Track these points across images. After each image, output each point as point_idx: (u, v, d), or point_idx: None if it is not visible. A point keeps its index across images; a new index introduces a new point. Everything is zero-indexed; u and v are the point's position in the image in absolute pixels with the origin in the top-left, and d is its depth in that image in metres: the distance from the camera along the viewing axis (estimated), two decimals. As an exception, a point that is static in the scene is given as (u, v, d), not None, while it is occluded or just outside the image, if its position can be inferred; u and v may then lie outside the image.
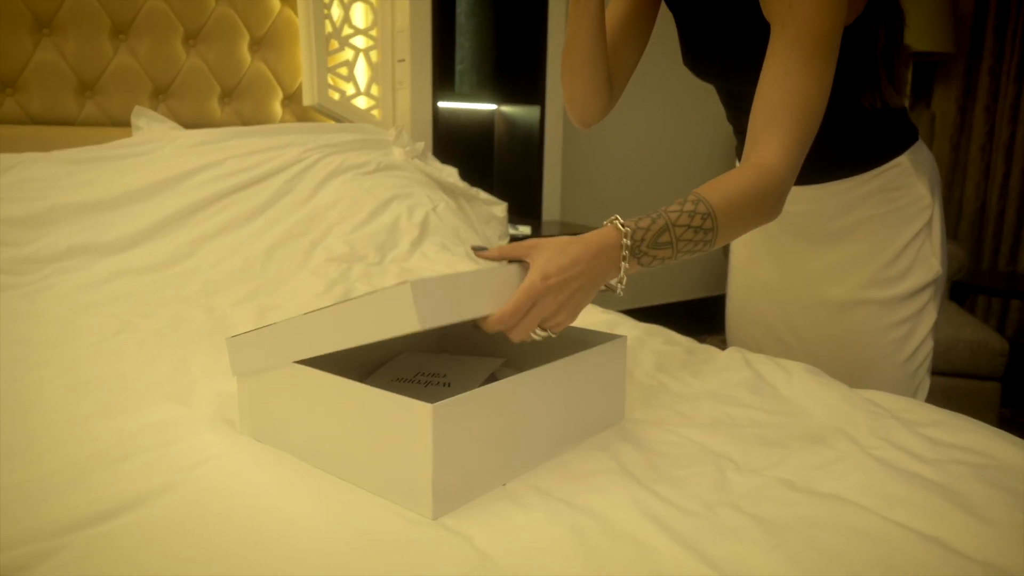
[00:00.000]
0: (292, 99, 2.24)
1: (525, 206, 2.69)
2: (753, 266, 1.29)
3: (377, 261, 1.75)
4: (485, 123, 2.79)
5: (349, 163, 1.91)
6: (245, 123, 2.17)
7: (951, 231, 3.72)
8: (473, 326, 0.75)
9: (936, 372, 2.22)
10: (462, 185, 2.10)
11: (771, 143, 0.85)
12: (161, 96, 2.05)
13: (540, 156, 2.62)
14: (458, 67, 2.61)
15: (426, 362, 0.98)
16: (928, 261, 1.11)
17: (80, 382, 0.95)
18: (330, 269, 1.66)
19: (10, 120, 1.86)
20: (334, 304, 0.72)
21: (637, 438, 0.81)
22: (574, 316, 0.75)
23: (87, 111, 1.95)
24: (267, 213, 1.75)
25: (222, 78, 2.13)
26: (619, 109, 3.07)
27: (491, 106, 2.78)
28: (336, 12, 2.20)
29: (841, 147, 1.09)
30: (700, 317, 3.52)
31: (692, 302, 3.58)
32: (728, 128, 3.04)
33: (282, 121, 2.24)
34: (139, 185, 1.64)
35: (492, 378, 0.94)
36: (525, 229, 2.37)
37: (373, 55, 2.29)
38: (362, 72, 2.28)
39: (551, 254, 0.73)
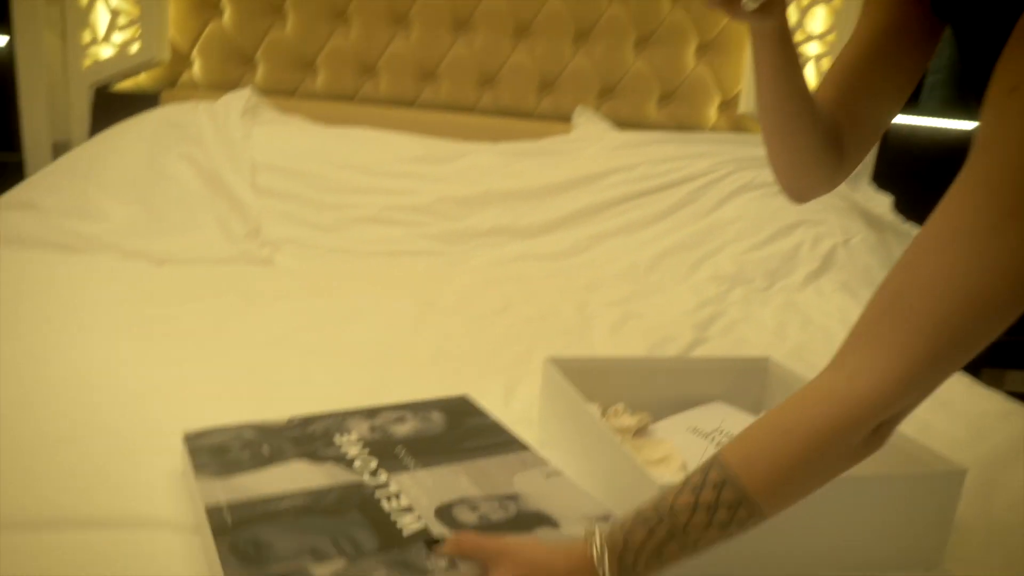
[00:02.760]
0: (728, 105, 2.21)
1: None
2: None
3: (763, 287, 1.66)
4: (953, 143, 2.37)
5: (760, 180, 1.82)
6: (679, 125, 2.22)
7: None
8: None
9: None
10: (891, 218, 1.84)
11: (877, 350, 0.54)
12: (605, 96, 2.21)
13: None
14: (929, 78, 2.26)
15: None
16: None
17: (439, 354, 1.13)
18: (710, 287, 1.62)
19: (488, 112, 2.22)
20: None
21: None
22: None
23: (543, 106, 2.21)
24: (665, 221, 1.79)
25: (663, 81, 2.20)
26: None
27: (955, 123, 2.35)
28: (791, 15, 2.09)
29: None
30: None
31: None
32: None
33: (714, 126, 2.23)
34: (559, 180, 1.82)
35: None
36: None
37: (824, 61, 2.12)
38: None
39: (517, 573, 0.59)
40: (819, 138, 0.74)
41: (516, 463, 0.77)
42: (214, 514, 0.64)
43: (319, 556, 0.59)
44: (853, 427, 0.54)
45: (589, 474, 0.79)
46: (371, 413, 0.86)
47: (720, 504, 0.55)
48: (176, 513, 0.70)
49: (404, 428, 0.83)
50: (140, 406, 0.90)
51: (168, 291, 1.32)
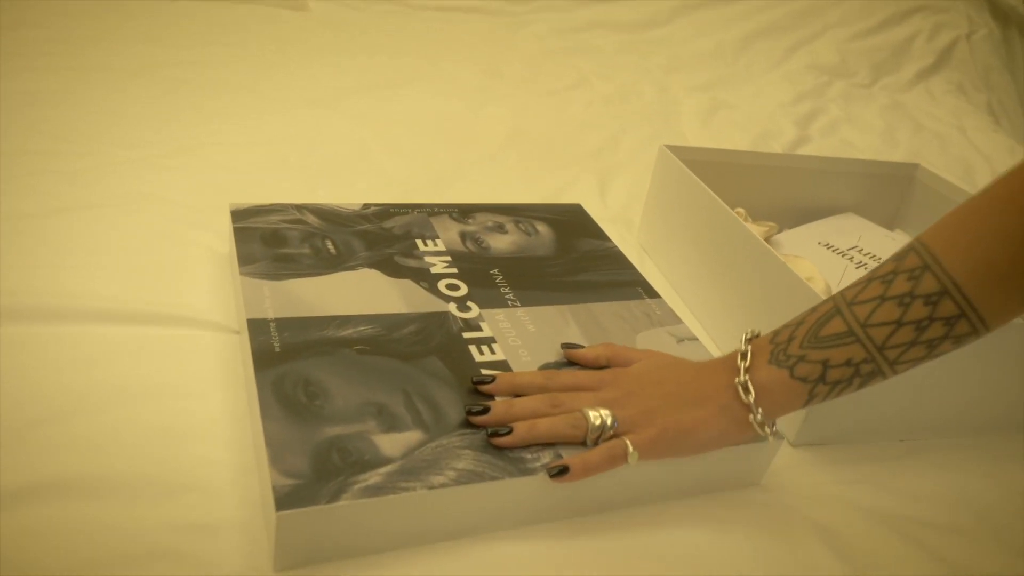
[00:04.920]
0: None
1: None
2: None
3: (866, 83, 1.45)
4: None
5: (882, -49, 1.53)
6: None
7: None
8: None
9: None
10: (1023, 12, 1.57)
11: None
12: None
13: None
14: None
15: None
16: None
17: (515, 133, 0.96)
18: (806, 79, 1.41)
19: None
20: None
21: None
22: (655, 427, 0.45)
23: None
24: (761, -6, 1.53)
25: None
26: None
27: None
28: None
29: None
30: None
31: None
32: None
33: None
34: (641, -67, 1.53)
35: None
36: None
37: None
38: None
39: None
40: None
41: (641, 316, 0.59)
42: (257, 333, 0.49)
43: (388, 422, 0.44)
44: None
45: (718, 299, 0.66)
46: (463, 213, 0.69)
47: (917, 296, 0.41)
48: (213, 307, 0.57)
49: (503, 242, 0.65)
50: (171, 168, 0.75)
51: (184, 32, 1.12)
